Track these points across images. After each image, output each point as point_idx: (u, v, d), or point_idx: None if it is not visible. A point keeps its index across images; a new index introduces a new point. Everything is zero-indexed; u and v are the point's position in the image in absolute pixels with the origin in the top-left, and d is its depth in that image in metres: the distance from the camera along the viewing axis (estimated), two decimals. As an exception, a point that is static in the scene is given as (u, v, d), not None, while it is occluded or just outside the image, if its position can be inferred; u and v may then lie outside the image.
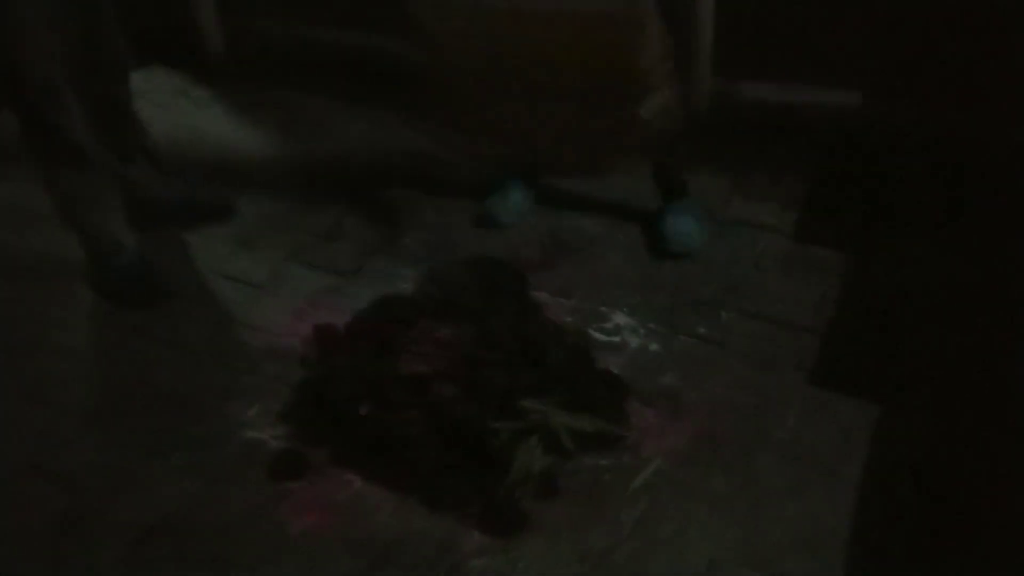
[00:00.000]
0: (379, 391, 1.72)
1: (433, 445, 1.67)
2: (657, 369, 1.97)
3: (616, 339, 2.06)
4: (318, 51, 3.42)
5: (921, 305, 2.09)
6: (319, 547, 1.62)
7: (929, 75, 2.57)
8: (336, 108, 3.21)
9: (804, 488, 1.69)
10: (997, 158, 2.44)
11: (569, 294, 2.21)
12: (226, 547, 1.62)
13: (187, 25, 3.53)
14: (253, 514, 1.69)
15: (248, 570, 1.58)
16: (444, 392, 1.68)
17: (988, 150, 2.47)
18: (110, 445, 1.86)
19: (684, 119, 2.33)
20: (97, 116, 2.31)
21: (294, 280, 2.34)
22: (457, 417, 1.66)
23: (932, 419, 1.79)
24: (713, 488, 1.70)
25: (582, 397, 1.76)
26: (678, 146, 2.34)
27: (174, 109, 3.32)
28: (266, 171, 2.90)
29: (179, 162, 2.85)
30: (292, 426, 1.86)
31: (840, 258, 2.26)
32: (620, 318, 2.13)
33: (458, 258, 2.16)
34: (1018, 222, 2.24)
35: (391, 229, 2.52)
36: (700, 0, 2.68)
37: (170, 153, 2.92)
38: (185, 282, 2.37)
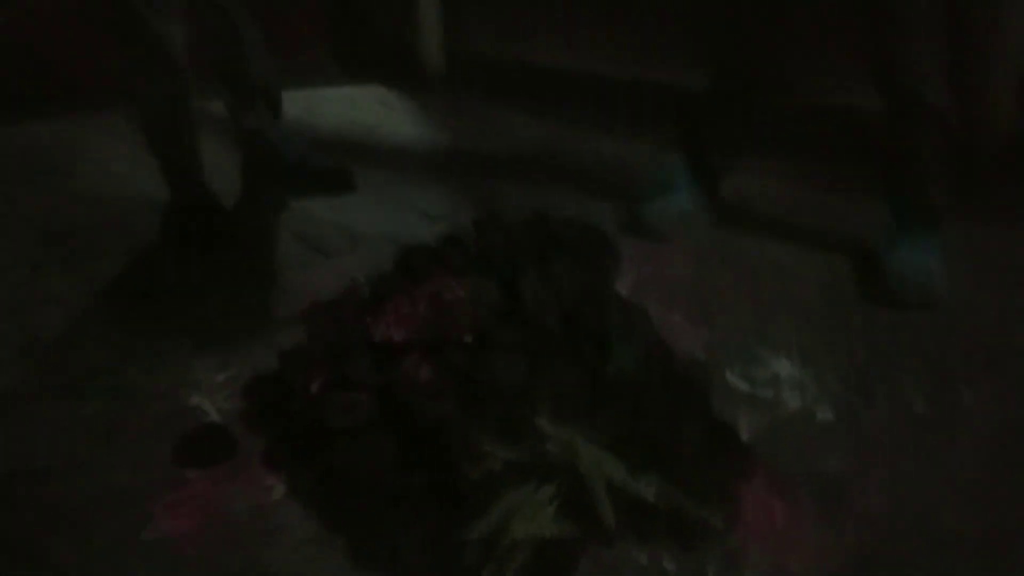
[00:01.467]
0: (339, 362, 1.10)
1: (382, 454, 1.01)
2: (819, 446, 1.15)
3: (766, 394, 1.27)
4: (530, 72, 3.07)
5: None
6: (164, 566, 1.01)
7: None
8: (528, 120, 2.77)
9: None
10: None
11: (713, 321, 1.45)
12: (57, 530, 1.08)
13: (409, 45, 3.42)
14: (122, 495, 1.13)
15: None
16: (416, 373, 1.02)
17: None
18: (43, 366, 1.43)
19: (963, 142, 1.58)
20: (218, 48, 2.05)
21: (377, 256, 1.81)
22: (421, 416, 0.99)
23: None
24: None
25: (658, 442, 1.01)
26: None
27: (363, 111, 3.09)
28: (415, 159, 2.49)
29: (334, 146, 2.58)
30: (249, 404, 1.29)
31: None
32: (782, 367, 1.33)
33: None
34: None
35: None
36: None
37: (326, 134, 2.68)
38: (252, 231, 1.95)
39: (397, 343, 1.06)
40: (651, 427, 1.02)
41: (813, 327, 1.44)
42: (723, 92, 1.78)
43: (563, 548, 0.95)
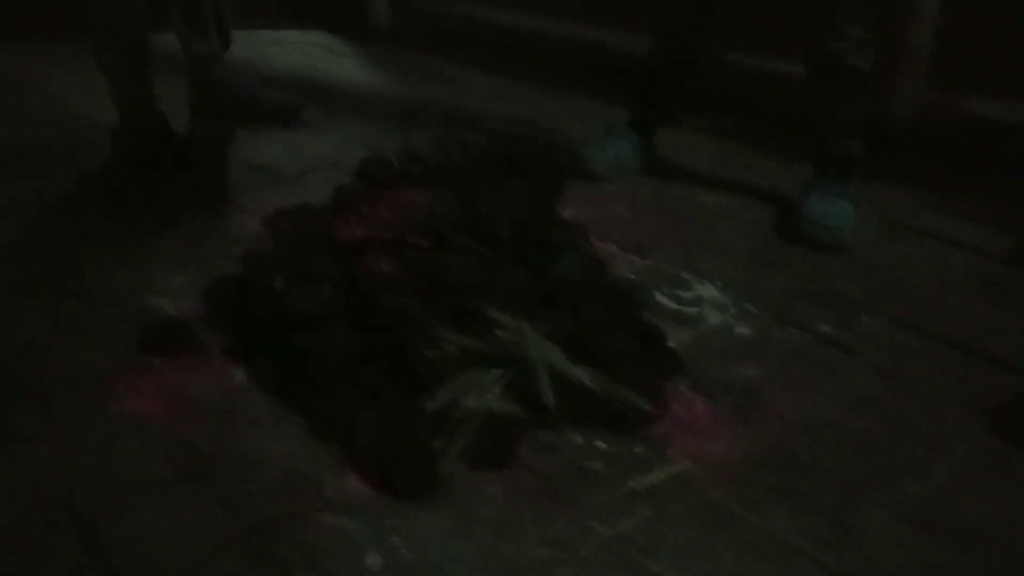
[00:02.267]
0: (299, 258, 1.17)
1: (339, 341, 1.09)
2: (737, 357, 1.28)
3: (691, 311, 1.40)
4: (476, 29, 3.15)
5: None
6: (130, 434, 1.07)
7: None
8: (473, 73, 2.84)
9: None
10: None
11: (646, 254, 1.57)
12: (18, 403, 1.12)
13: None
14: (83, 376, 1.18)
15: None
16: (377, 266, 1.10)
17: None
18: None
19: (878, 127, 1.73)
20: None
21: (326, 183, 1.87)
22: (380, 306, 1.07)
23: None
24: (769, 527, 0.98)
25: (596, 339, 1.11)
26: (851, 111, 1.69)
27: (311, 56, 3.11)
28: (364, 101, 2.54)
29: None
30: (209, 305, 1.35)
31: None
32: (705, 290, 1.46)
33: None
34: None
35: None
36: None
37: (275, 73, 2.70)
38: (206, 160, 1.98)
39: (358, 241, 1.13)
40: (589, 326, 1.12)
41: (734, 260, 1.57)
42: (663, 56, 1.90)
43: (507, 426, 1.05)
